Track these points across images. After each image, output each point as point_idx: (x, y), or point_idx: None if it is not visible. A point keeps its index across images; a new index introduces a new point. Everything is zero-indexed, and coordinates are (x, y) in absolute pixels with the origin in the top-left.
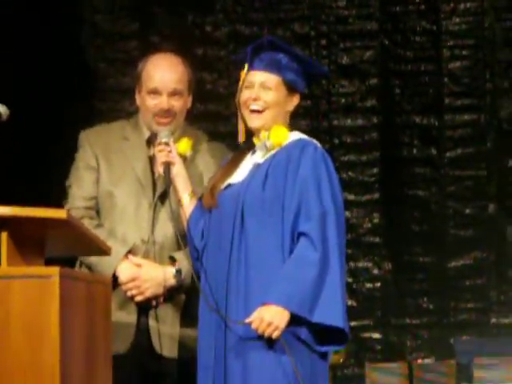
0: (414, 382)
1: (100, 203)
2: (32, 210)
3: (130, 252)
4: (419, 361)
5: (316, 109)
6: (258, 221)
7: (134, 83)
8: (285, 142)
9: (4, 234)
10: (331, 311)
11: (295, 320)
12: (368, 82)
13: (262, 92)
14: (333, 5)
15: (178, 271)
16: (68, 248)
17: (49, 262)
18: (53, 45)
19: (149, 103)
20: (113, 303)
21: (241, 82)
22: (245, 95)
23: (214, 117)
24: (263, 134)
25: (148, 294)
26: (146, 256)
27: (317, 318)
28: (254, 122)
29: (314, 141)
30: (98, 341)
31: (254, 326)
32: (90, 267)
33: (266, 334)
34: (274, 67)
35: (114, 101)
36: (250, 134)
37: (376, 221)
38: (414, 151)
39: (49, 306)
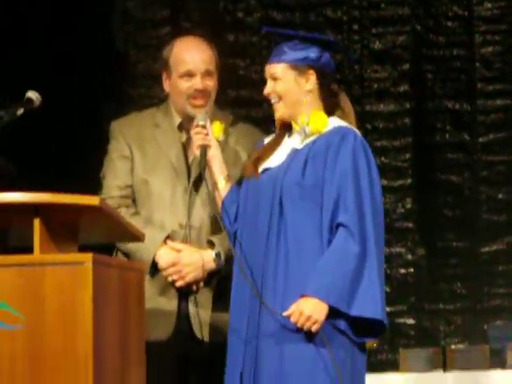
0: (447, 368)
1: (136, 192)
2: (64, 197)
3: (168, 238)
4: (453, 346)
5: (349, 94)
6: (297, 207)
7: (161, 70)
8: (324, 130)
9: (37, 221)
10: (369, 304)
11: (334, 312)
12: (400, 68)
13: (273, 84)
14: None
15: (218, 254)
16: (102, 235)
17: (84, 250)
18: (84, 32)
19: (182, 86)
20: (153, 289)
21: None
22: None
23: (247, 102)
24: (302, 119)
25: (188, 278)
26: (184, 241)
27: (355, 311)
28: (275, 114)
29: (354, 128)
30: (131, 328)
31: (293, 319)
32: (127, 255)
33: (306, 328)
34: (275, 56)
35: (146, 87)
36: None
37: (409, 206)
38: (447, 136)
39: (82, 292)
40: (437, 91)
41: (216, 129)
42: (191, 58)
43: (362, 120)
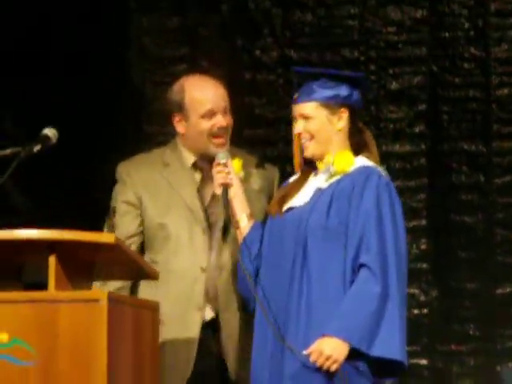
0: None
1: (151, 237)
2: (81, 234)
3: None
4: None
5: None
6: (321, 248)
7: (171, 112)
8: (349, 169)
9: (52, 258)
10: (390, 345)
11: (354, 352)
12: (416, 108)
13: (305, 123)
14: (383, 30)
15: None
16: (117, 272)
17: None
18: (101, 68)
19: (204, 126)
20: None
21: None
22: (293, 130)
23: (263, 141)
24: (328, 158)
25: None
26: (207, 283)
27: (376, 351)
28: (305, 153)
29: (379, 168)
30: (145, 368)
31: (312, 357)
32: None
33: (325, 367)
34: (305, 95)
35: (161, 124)
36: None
37: (423, 247)
38: (462, 178)
39: (97, 330)
40: (452, 132)
41: (236, 166)
42: (211, 97)
43: None
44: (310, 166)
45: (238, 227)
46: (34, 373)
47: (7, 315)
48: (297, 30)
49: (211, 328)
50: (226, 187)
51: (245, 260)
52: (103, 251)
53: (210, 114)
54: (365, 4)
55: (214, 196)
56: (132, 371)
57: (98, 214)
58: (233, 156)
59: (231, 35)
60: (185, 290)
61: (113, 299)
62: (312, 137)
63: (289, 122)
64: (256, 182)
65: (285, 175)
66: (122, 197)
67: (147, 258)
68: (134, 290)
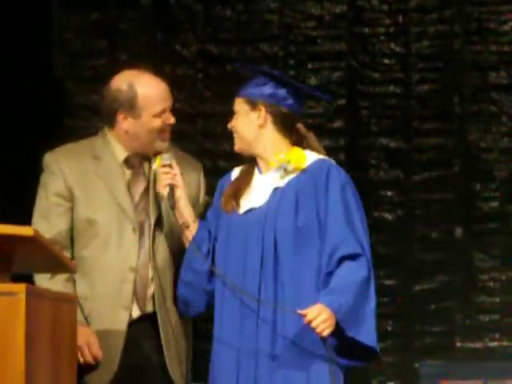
0: None
1: (78, 231)
2: None
3: None
4: None
5: None
6: (293, 249)
7: (114, 109)
8: (305, 165)
9: None
10: (369, 331)
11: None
12: (336, 103)
13: (233, 117)
14: (302, 25)
15: None
16: (35, 265)
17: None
18: (22, 64)
19: (156, 124)
20: None
21: None
22: None
23: (182, 136)
24: (278, 157)
25: None
26: (136, 282)
27: (355, 333)
28: (234, 147)
29: (332, 160)
30: (62, 360)
31: (309, 316)
32: None
33: (319, 330)
34: (239, 90)
35: (83, 118)
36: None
37: None
38: (381, 174)
39: (14, 323)
40: (372, 128)
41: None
42: (164, 96)
43: None
44: (250, 161)
45: (186, 227)
46: None
47: None
48: (217, 25)
49: (150, 321)
50: (172, 188)
51: (198, 259)
52: (21, 244)
53: (162, 113)
54: None
55: (143, 194)
56: (50, 364)
57: (24, 210)
58: (166, 151)
59: (151, 30)
60: (113, 289)
61: (31, 292)
62: (235, 131)
63: (207, 116)
64: (192, 177)
65: (204, 170)
66: (53, 188)
67: (75, 252)
68: None
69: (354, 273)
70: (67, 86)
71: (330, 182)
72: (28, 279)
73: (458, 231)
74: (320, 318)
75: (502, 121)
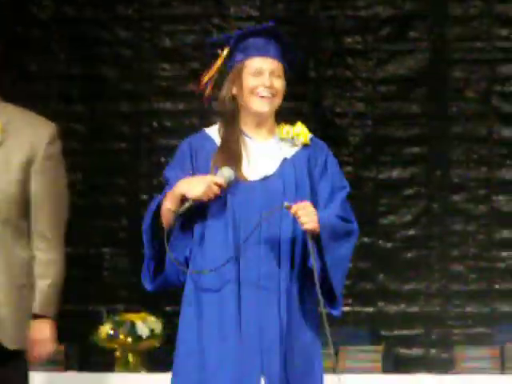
0: None
1: None
2: None
3: None
4: None
5: (139, 91)
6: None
7: None
8: (309, 141)
9: None
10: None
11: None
12: (189, 67)
13: (274, 79)
14: None
15: None
16: None
17: None
18: None
19: None
20: None
21: (219, 64)
22: (253, 82)
23: (36, 97)
24: (286, 129)
25: None
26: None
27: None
28: (264, 106)
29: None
30: None
31: (296, 207)
32: None
33: (302, 221)
34: (279, 55)
35: None
36: None
37: None
38: None
39: None
40: None
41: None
42: None
43: (150, 118)
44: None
45: (179, 208)
46: None
47: None
48: None
49: None
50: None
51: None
52: None
53: None
54: None
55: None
56: None
57: None
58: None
59: None
60: None
61: None
62: (276, 95)
63: (62, 77)
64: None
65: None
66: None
67: None
68: None
69: (347, 222)
70: None
71: (328, 159)
72: None
73: None
74: (305, 210)
75: (357, 86)
